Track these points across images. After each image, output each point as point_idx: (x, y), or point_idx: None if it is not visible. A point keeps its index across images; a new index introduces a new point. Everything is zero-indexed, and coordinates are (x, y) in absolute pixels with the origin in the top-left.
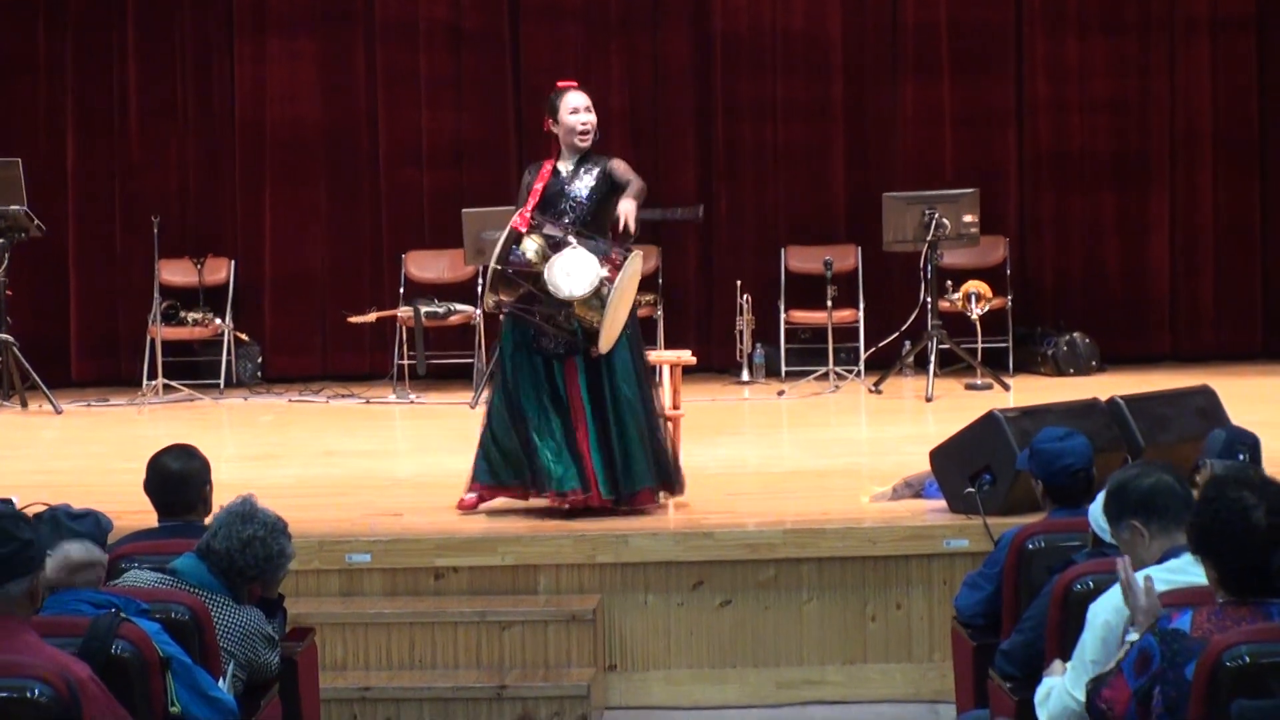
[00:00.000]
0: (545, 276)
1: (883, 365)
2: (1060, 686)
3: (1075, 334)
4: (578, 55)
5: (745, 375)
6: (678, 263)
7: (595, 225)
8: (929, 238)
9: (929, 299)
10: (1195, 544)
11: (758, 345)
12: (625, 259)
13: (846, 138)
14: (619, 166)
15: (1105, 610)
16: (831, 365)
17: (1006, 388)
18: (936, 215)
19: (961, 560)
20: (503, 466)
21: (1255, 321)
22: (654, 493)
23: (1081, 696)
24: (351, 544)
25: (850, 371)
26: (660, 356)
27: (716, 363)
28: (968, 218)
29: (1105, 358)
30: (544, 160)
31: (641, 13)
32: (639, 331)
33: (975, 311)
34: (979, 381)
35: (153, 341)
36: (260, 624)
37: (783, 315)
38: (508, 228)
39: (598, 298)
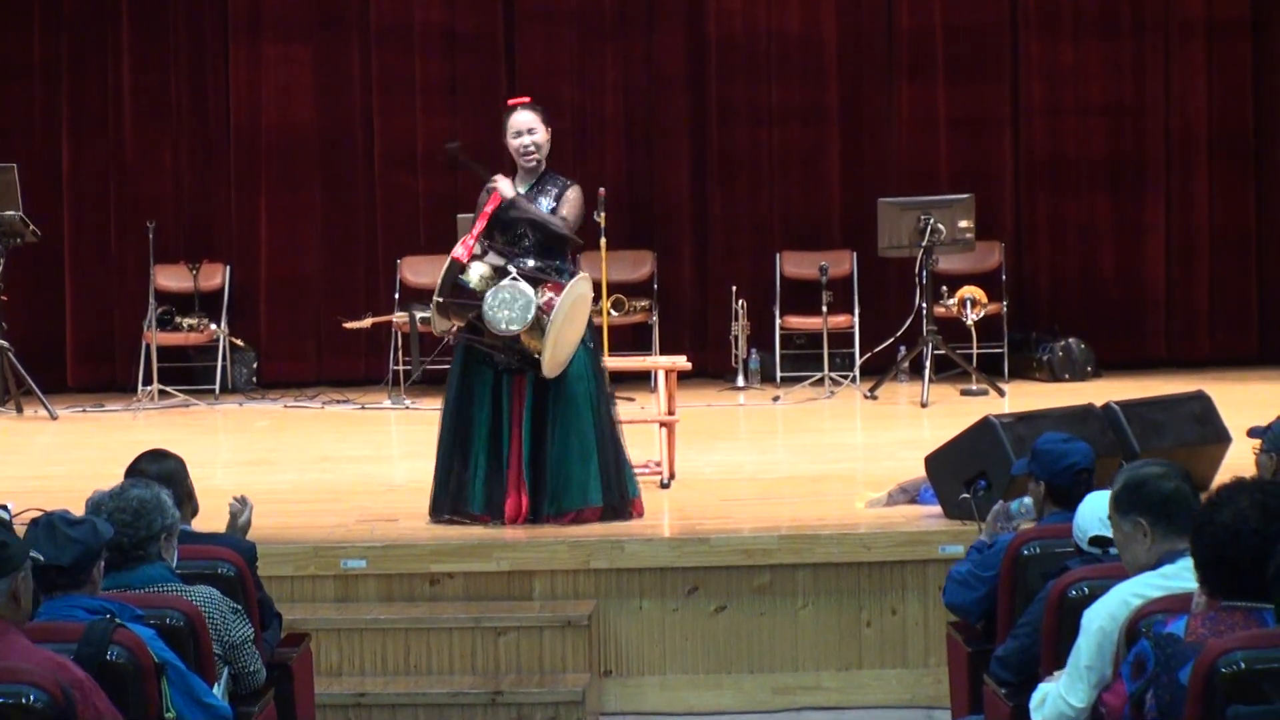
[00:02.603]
0: (483, 311)
1: (878, 371)
2: (1055, 692)
3: (1071, 339)
4: (572, 59)
5: (740, 381)
6: (672, 268)
7: (552, 248)
8: (924, 243)
9: (924, 304)
10: (1192, 543)
11: (753, 351)
12: (566, 285)
13: (841, 142)
14: (569, 202)
15: (1100, 616)
16: (827, 371)
17: (1002, 393)
18: (932, 220)
19: None
20: (456, 494)
21: (1250, 326)
22: (597, 511)
23: (1076, 702)
24: (347, 549)
25: (845, 377)
26: (655, 362)
27: (712, 368)
28: (963, 223)
29: (1101, 363)
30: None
31: (636, 16)
32: (598, 352)
33: (970, 317)
34: (974, 387)
35: (148, 347)
36: (220, 596)
37: (778, 320)
38: (449, 259)
39: (538, 327)
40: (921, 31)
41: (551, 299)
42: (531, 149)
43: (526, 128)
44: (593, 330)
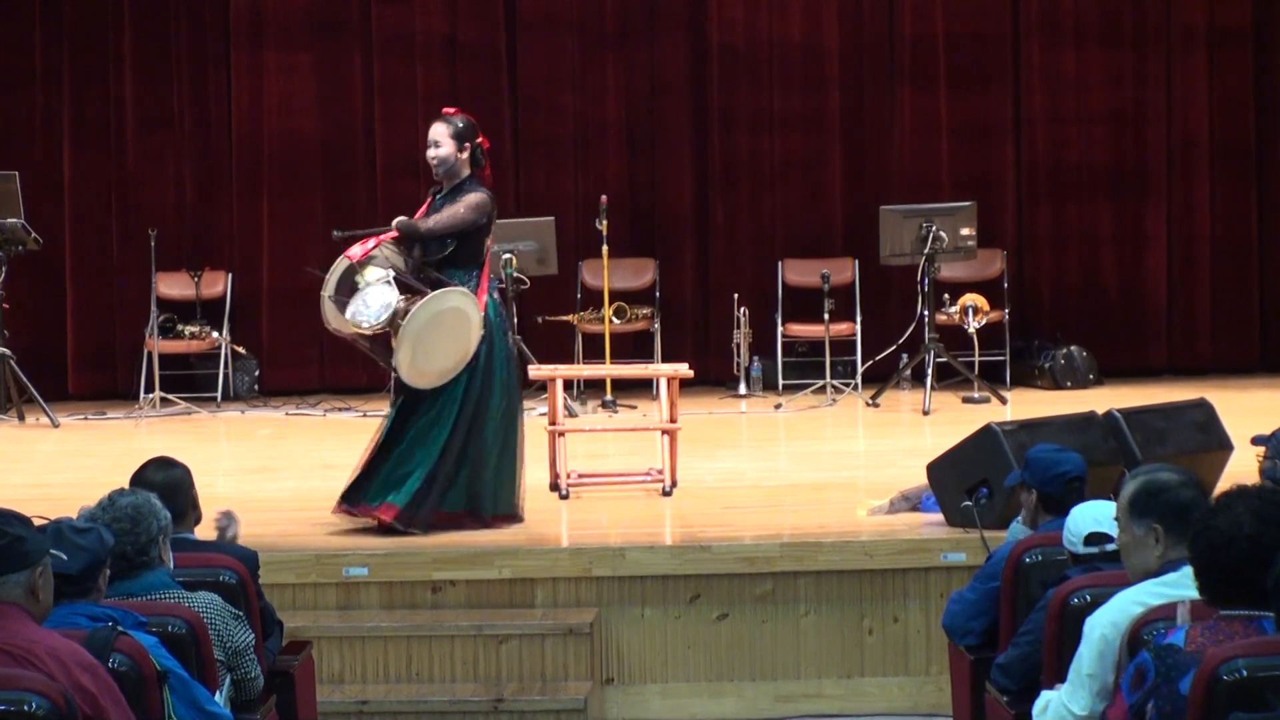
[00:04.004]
0: (347, 304)
1: (880, 378)
2: (1057, 700)
3: (1072, 347)
4: (574, 67)
5: (742, 388)
6: (674, 276)
7: (453, 258)
8: (926, 251)
9: (926, 312)
10: (1190, 550)
11: (755, 358)
12: (429, 295)
13: (843, 150)
14: (462, 203)
15: (1102, 623)
16: (829, 378)
17: (1004, 401)
18: (934, 228)
19: (959, 574)
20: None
21: (1252, 334)
22: (458, 517)
23: (1078, 710)
24: (349, 557)
25: (847, 385)
26: (657, 369)
27: (713, 376)
28: (965, 231)
29: (1102, 371)
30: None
31: (638, 24)
32: (490, 380)
33: (972, 325)
34: (976, 395)
35: (149, 354)
36: (221, 603)
37: (780, 328)
38: (341, 258)
39: (394, 329)
40: (924, 39)
41: (411, 304)
42: (434, 160)
43: (433, 140)
44: (492, 352)
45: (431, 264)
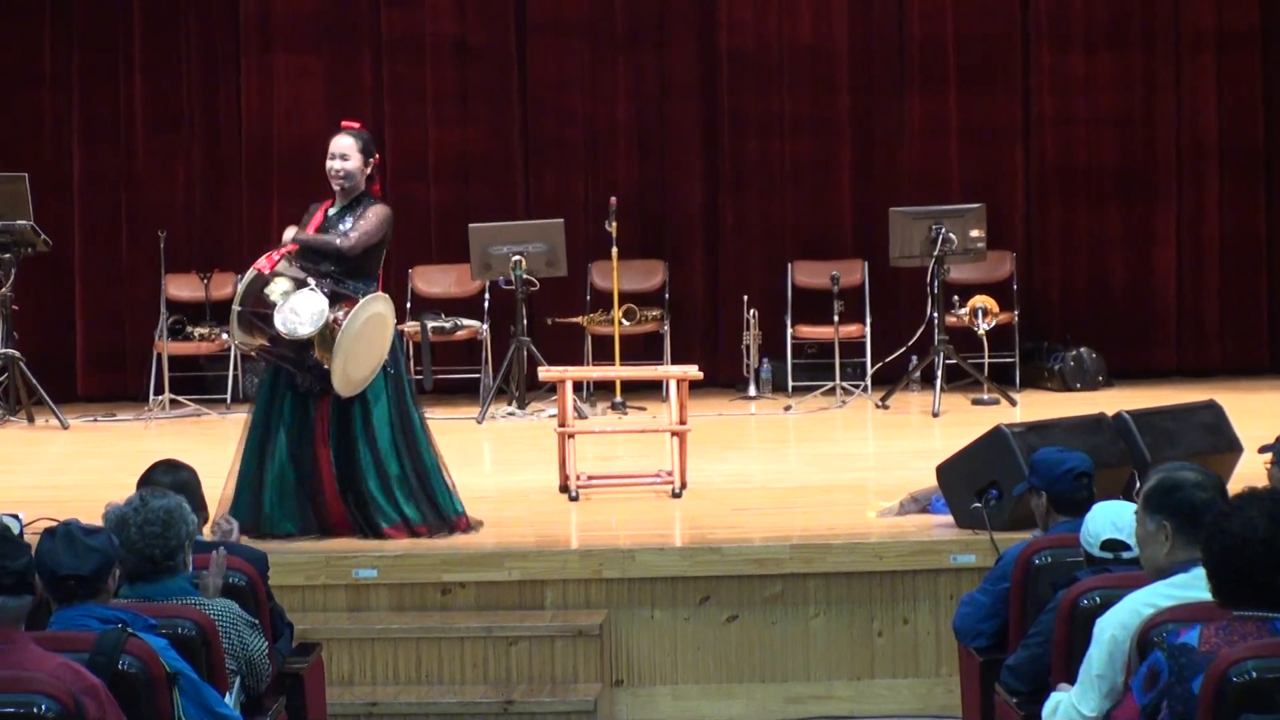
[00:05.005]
0: (274, 316)
1: (889, 380)
2: (1067, 701)
3: (1082, 349)
4: (584, 70)
5: (752, 390)
6: (684, 278)
7: (357, 269)
8: (935, 253)
9: (936, 314)
10: (1203, 551)
11: (764, 360)
12: (360, 302)
13: (853, 152)
14: (361, 219)
15: (1112, 625)
16: (838, 380)
17: (1013, 403)
18: (943, 230)
19: (968, 575)
20: (271, 516)
21: (1261, 336)
22: (401, 530)
23: (1087, 711)
24: (358, 559)
25: (857, 386)
26: (667, 371)
27: (723, 378)
28: (974, 232)
29: (1112, 372)
30: (325, 200)
31: (648, 27)
32: (401, 376)
33: (982, 326)
34: (986, 396)
35: (159, 356)
36: (238, 611)
37: (789, 330)
38: (251, 269)
39: (329, 338)
40: (933, 42)
41: (344, 313)
42: (340, 173)
43: (340, 152)
44: (396, 355)
45: (333, 275)
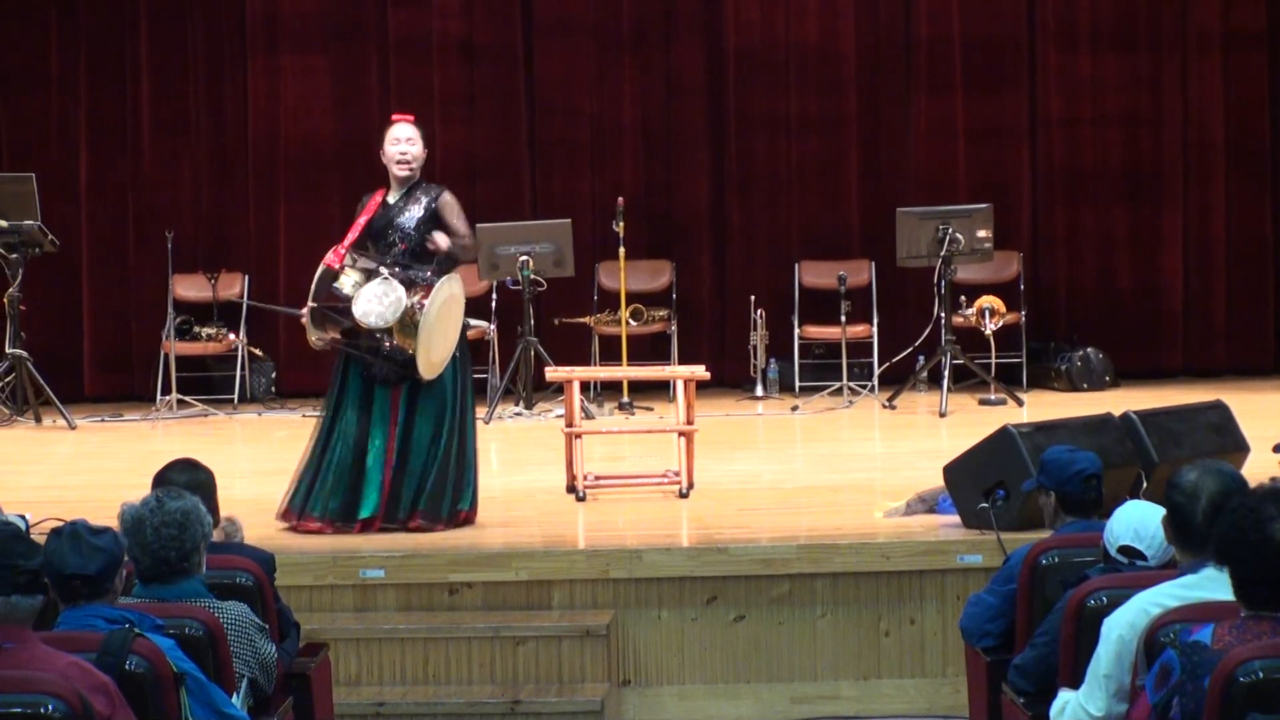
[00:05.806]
0: (353, 308)
1: (896, 380)
2: (1075, 701)
3: (1089, 349)
4: (590, 70)
5: (759, 390)
6: (691, 278)
7: (422, 254)
8: (943, 253)
9: (943, 314)
10: (1218, 553)
11: (771, 360)
12: (436, 285)
13: (860, 152)
14: (448, 207)
15: (1119, 625)
16: (845, 380)
17: (1020, 403)
18: (950, 230)
19: (975, 575)
20: (318, 496)
21: (1268, 337)
22: (442, 520)
23: (1095, 710)
24: (365, 559)
25: (864, 387)
26: (674, 371)
27: (730, 378)
28: (981, 233)
29: (1118, 372)
30: (377, 190)
31: (654, 27)
32: (468, 358)
33: (989, 327)
34: (993, 397)
35: (166, 356)
36: (250, 615)
37: (796, 330)
38: (322, 265)
39: (410, 324)
40: (940, 43)
41: (423, 298)
42: (408, 156)
43: (406, 137)
44: (464, 339)
45: (400, 263)
